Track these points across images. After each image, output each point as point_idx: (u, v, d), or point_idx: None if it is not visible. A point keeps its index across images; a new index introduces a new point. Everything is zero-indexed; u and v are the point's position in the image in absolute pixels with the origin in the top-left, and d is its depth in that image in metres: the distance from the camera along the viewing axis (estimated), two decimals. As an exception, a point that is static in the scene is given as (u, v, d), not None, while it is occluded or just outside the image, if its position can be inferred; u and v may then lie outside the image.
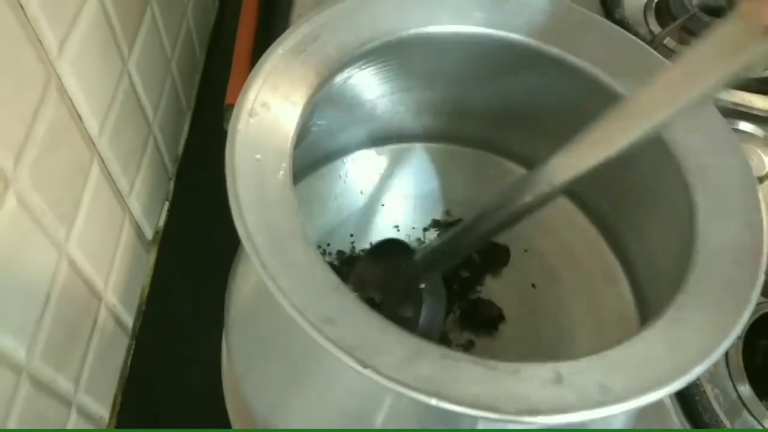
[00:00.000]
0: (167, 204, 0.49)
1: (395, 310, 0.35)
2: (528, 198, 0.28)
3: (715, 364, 0.40)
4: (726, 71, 0.22)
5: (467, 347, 0.39)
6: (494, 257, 0.42)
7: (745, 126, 0.53)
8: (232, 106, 0.28)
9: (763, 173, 0.49)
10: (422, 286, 0.35)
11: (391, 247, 0.38)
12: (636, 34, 0.45)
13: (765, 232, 0.27)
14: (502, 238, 0.42)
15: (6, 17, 0.26)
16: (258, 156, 0.26)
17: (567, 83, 0.33)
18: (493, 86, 0.37)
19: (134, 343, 0.43)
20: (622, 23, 0.56)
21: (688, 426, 0.38)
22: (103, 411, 0.38)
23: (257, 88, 0.28)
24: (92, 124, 0.34)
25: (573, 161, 0.27)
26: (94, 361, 0.36)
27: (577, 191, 0.41)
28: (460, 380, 0.21)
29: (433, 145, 0.43)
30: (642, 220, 0.35)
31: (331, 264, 0.34)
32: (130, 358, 0.42)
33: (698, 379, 0.38)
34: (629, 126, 0.25)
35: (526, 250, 0.42)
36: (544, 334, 0.39)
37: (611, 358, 0.23)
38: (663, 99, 0.24)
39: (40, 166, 0.29)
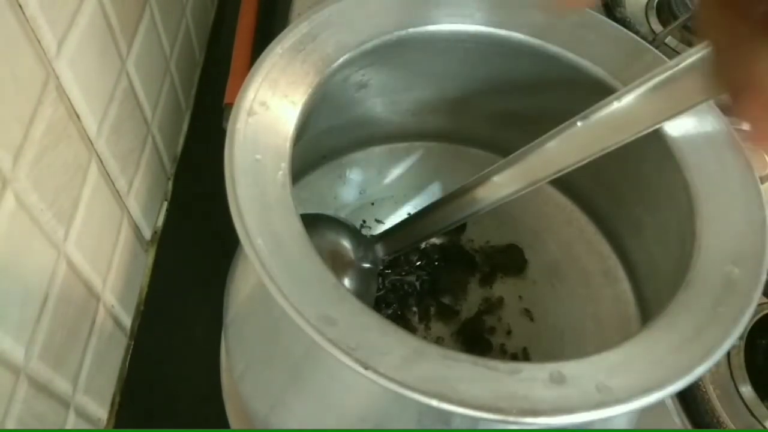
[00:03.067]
0: (166, 204, 0.49)
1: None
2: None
3: (717, 365, 0.40)
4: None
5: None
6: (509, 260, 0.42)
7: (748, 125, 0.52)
8: (231, 105, 0.28)
9: (764, 173, 0.49)
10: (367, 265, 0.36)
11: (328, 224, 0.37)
12: (637, 33, 0.45)
13: (767, 231, 0.27)
14: (507, 239, 0.42)
15: (5, 17, 0.26)
16: (257, 156, 0.26)
17: (568, 82, 0.32)
18: (494, 85, 0.37)
19: (133, 343, 0.42)
20: (624, 22, 0.56)
21: (689, 426, 0.38)
22: (101, 411, 0.38)
23: (256, 88, 0.28)
24: (90, 124, 0.34)
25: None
26: (92, 362, 0.36)
27: (577, 190, 0.41)
28: (460, 381, 0.21)
29: (433, 145, 0.43)
30: (642, 219, 0.35)
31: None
32: (129, 358, 0.42)
33: (700, 379, 0.38)
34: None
35: (526, 249, 0.42)
36: (544, 333, 0.39)
37: (612, 359, 0.23)
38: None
39: (39, 166, 0.29)
